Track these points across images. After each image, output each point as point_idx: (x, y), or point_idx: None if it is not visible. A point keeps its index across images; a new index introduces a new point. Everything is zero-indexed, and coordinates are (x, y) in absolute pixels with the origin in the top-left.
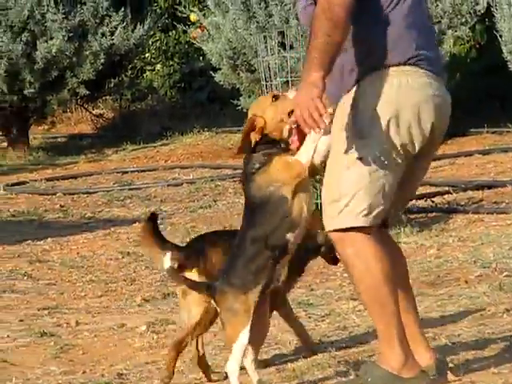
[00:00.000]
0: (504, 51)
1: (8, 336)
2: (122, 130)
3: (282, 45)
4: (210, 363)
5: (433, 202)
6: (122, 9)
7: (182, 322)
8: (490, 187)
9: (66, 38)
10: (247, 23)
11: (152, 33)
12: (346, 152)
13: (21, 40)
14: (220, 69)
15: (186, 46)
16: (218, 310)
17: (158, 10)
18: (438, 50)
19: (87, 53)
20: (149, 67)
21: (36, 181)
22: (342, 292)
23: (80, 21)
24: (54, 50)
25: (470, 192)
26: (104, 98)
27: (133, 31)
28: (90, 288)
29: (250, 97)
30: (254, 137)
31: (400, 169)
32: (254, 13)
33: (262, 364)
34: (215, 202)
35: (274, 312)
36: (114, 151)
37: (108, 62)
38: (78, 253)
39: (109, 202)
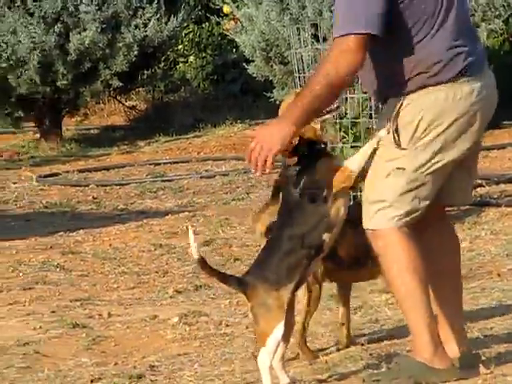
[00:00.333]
0: None
1: (40, 327)
2: (154, 121)
3: (315, 37)
4: (242, 355)
5: None
6: (156, 0)
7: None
8: None
9: (99, 30)
10: (280, 15)
11: (185, 24)
12: (387, 159)
13: (54, 31)
14: (253, 61)
15: (219, 38)
16: (249, 304)
17: (191, 2)
18: (478, 43)
19: (120, 44)
20: (182, 59)
21: (69, 172)
22: (375, 285)
23: (113, 12)
24: (87, 42)
25: (502, 185)
26: (137, 89)
27: (166, 23)
28: (122, 280)
29: (282, 89)
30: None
31: (441, 175)
32: (288, 5)
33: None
34: (248, 194)
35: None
36: (147, 143)
37: (141, 53)
38: (110, 244)
39: (141, 194)
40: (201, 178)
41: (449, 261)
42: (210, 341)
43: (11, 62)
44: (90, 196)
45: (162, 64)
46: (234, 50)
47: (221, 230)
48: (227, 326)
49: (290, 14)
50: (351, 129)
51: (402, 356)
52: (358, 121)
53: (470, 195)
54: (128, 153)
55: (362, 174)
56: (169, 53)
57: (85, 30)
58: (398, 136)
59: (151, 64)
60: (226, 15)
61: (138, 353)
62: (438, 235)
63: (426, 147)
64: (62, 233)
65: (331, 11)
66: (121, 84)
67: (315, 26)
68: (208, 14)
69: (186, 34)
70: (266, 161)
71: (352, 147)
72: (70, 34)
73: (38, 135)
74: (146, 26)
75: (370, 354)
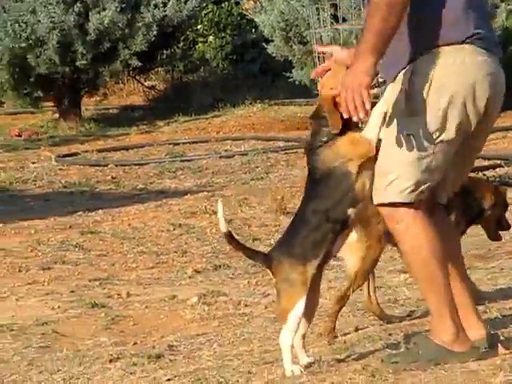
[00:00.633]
0: None
1: (59, 307)
2: (173, 101)
3: (335, 17)
4: (260, 335)
5: (484, 175)
6: None
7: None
8: None
9: (118, 10)
10: None
11: (204, 4)
12: (397, 128)
13: (73, 11)
14: (272, 41)
15: (239, 18)
16: (274, 279)
17: None
18: (491, 27)
19: (139, 24)
20: (201, 39)
21: (88, 152)
22: (393, 265)
23: None
24: (106, 22)
25: None
26: (156, 69)
27: (185, 3)
28: (141, 259)
29: (302, 69)
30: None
31: (451, 147)
32: None
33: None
34: (267, 174)
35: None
36: (166, 123)
37: (160, 33)
38: (129, 224)
39: (160, 174)
40: (220, 157)
41: (452, 243)
42: (228, 321)
43: (30, 42)
44: (109, 176)
45: (181, 44)
46: (253, 29)
47: (240, 210)
48: (246, 305)
49: None
50: None
51: (422, 337)
52: None
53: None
54: (147, 133)
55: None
56: (188, 33)
57: (104, 9)
58: (410, 103)
59: (170, 44)
60: None
61: (157, 332)
62: (437, 219)
63: (436, 113)
64: (80, 212)
65: None
66: (140, 64)
67: (335, 6)
68: None
69: (205, 14)
70: (363, 100)
71: None
72: (90, 13)
73: (57, 115)
74: (165, 5)
75: (389, 334)
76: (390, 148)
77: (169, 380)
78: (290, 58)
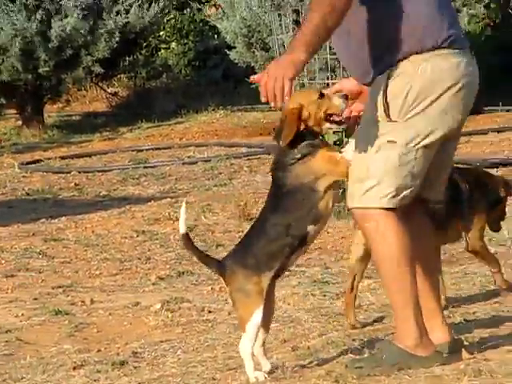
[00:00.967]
0: None
1: (22, 314)
2: (136, 108)
3: (297, 23)
4: (224, 341)
5: None
6: None
7: None
8: (505, 165)
9: (80, 17)
10: (262, 1)
11: (167, 11)
12: (376, 134)
13: (35, 18)
14: (235, 47)
15: (201, 24)
16: (228, 288)
17: None
18: (457, 19)
19: (102, 31)
20: (163, 45)
21: (51, 159)
22: None
23: None
24: (68, 29)
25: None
26: (119, 76)
27: (148, 9)
28: (104, 266)
29: None
30: (299, 126)
31: (431, 151)
32: None
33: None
34: (230, 180)
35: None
36: (129, 129)
37: (123, 40)
38: (92, 231)
39: (123, 181)
40: (183, 164)
41: (427, 244)
42: (192, 327)
43: None
44: (72, 183)
45: (144, 50)
46: (216, 36)
47: (203, 216)
48: (210, 312)
49: (272, 0)
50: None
51: (385, 342)
52: None
53: (442, 191)
54: (110, 139)
55: None
56: (150, 39)
57: (66, 16)
58: (388, 109)
59: (133, 50)
60: (208, 1)
61: (121, 339)
62: (412, 218)
63: (416, 118)
64: (44, 220)
65: None
66: (102, 70)
67: (296, 11)
68: (189, 1)
69: (167, 21)
70: (283, 89)
71: None
72: (52, 20)
73: (19, 122)
74: (127, 12)
75: (353, 340)
76: (370, 155)
77: None
78: (252, 65)
